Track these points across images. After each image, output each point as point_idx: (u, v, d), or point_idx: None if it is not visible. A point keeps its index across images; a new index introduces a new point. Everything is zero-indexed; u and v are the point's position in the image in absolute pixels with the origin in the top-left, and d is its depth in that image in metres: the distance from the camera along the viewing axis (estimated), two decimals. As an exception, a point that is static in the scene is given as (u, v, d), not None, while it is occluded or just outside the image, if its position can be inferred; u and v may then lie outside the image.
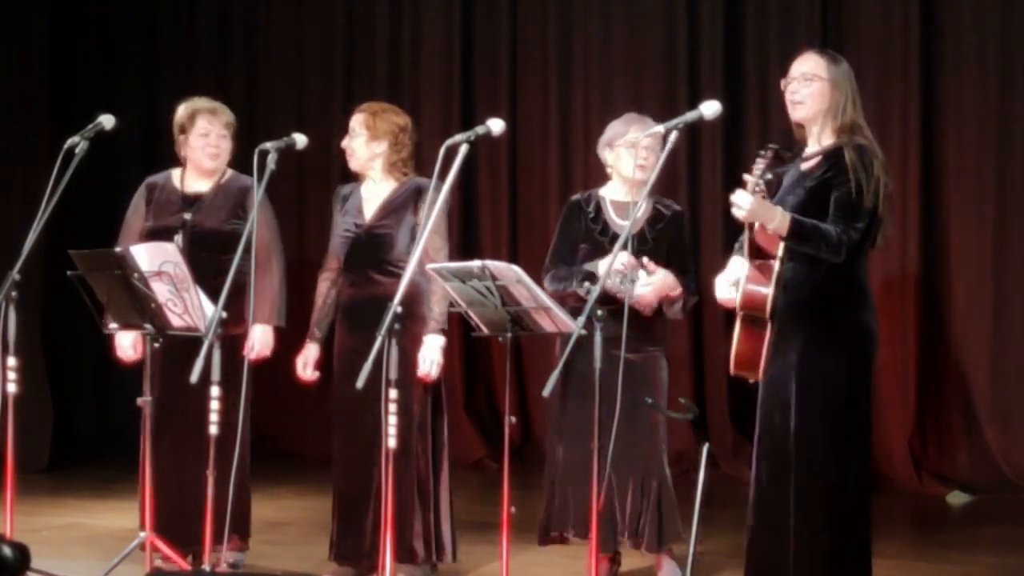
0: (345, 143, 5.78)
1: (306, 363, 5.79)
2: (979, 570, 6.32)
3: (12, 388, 5.55)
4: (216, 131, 5.90)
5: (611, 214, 5.72)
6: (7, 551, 5.21)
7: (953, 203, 8.29)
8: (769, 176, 4.54)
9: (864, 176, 4.59)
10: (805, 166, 4.75)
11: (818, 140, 4.75)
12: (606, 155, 5.77)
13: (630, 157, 5.61)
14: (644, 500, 5.62)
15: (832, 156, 4.66)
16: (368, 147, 5.73)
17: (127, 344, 5.90)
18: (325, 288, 5.84)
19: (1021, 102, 8.17)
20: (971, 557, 6.52)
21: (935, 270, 8.33)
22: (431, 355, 5.58)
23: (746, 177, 4.59)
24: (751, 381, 4.83)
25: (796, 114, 4.76)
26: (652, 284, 5.51)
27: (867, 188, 4.60)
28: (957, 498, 7.95)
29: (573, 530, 5.66)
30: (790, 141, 4.85)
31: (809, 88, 4.71)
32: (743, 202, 4.53)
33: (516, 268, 4.83)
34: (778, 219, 4.55)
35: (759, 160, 4.58)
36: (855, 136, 4.68)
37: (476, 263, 4.88)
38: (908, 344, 8.22)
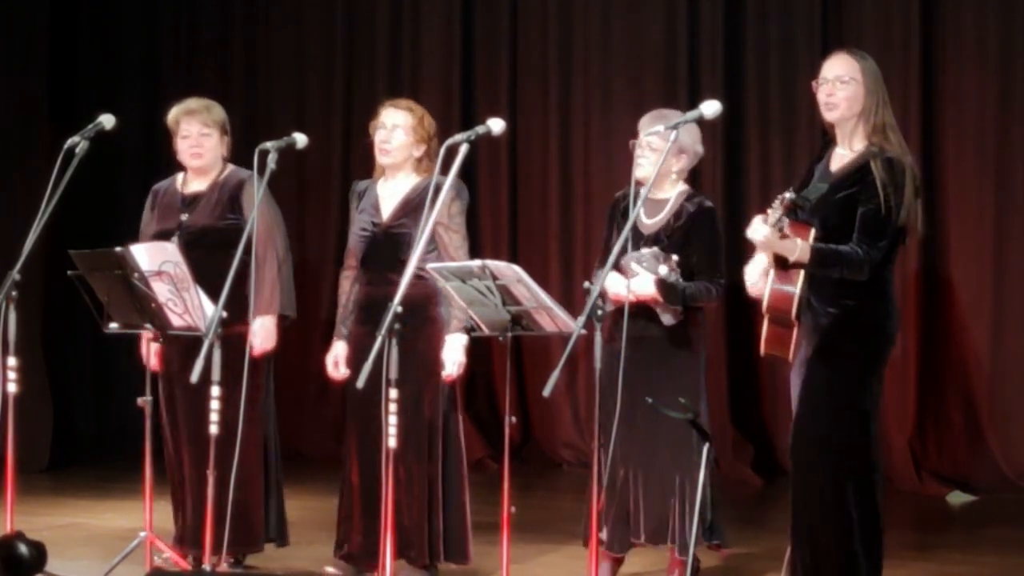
0: (381, 138, 5.69)
1: (336, 362, 5.76)
2: (980, 570, 6.32)
3: (12, 388, 5.55)
4: (196, 131, 5.86)
5: (640, 211, 5.64)
6: (24, 549, 5.23)
7: (953, 203, 8.28)
8: (786, 222, 4.52)
9: (892, 191, 4.60)
10: (835, 166, 4.74)
11: (848, 142, 4.74)
12: None
13: (635, 154, 5.59)
14: (670, 502, 5.55)
15: (860, 170, 4.65)
16: (409, 148, 5.69)
17: (155, 352, 5.76)
18: (348, 286, 5.79)
19: (1021, 103, 8.17)
20: (971, 557, 6.52)
21: (935, 270, 8.33)
22: (454, 355, 5.54)
23: (759, 217, 4.56)
24: (787, 359, 4.82)
25: (831, 115, 4.74)
26: (624, 283, 5.30)
27: (895, 203, 4.60)
28: (957, 498, 7.95)
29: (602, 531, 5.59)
30: (807, 197, 4.78)
31: (845, 91, 4.70)
32: (760, 230, 4.51)
33: (516, 267, 4.83)
34: (799, 251, 4.55)
35: (776, 205, 4.52)
36: (885, 143, 4.67)
37: (476, 262, 4.88)
38: (908, 344, 8.21)
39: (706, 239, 5.61)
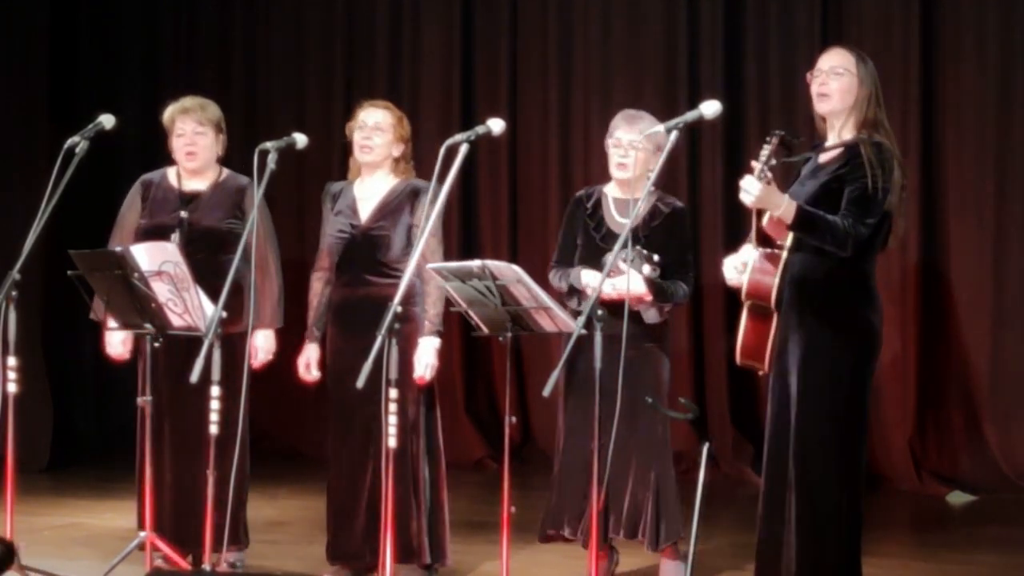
0: (362, 137, 5.70)
1: (308, 364, 5.77)
2: (979, 570, 6.32)
3: (12, 388, 5.55)
4: (191, 129, 5.87)
5: (611, 211, 5.70)
6: None
7: (953, 203, 8.29)
8: (774, 162, 4.51)
9: (881, 173, 4.59)
10: (823, 158, 4.75)
11: (839, 134, 4.75)
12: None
13: (614, 155, 5.64)
14: (643, 497, 5.59)
15: (849, 151, 4.65)
16: (389, 147, 5.70)
17: (116, 341, 5.89)
18: (320, 287, 5.81)
19: (1021, 104, 8.17)
20: (971, 557, 6.52)
21: (935, 270, 8.33)
22: (426, 358, 5.55)
23: (753, 163, 4.57)
24: (760, 373, 4.84)
25: (823, 107, 4.75)
26: (615, 285, 5.30)
27: (883, 185, 4.59)
28: (957, 498, 7.96)
29: (569, 528, 5.65)
30: (797, 131, 4.84)
31: (838, 82, 4.72)
32: (751, 188, 4.50)
33: (516, 267, 4.83)
34: (784, 206, 4.53)
35: (765, 146, 4.56)
36: (875, 132, 4.68)
37: (476, 262, 4.88)
38: (908, 344, 8.22)
39: (681, 239, 5.71)
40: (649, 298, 5.51)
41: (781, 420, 4.73)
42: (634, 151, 5.56)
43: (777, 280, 4.65)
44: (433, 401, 5.70)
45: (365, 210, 5.70)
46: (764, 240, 4.71)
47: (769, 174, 4.50)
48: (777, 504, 4.76)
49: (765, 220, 4.72)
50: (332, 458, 5.73)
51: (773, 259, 4.68)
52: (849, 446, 4.69)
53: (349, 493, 5.63)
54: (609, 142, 5.70)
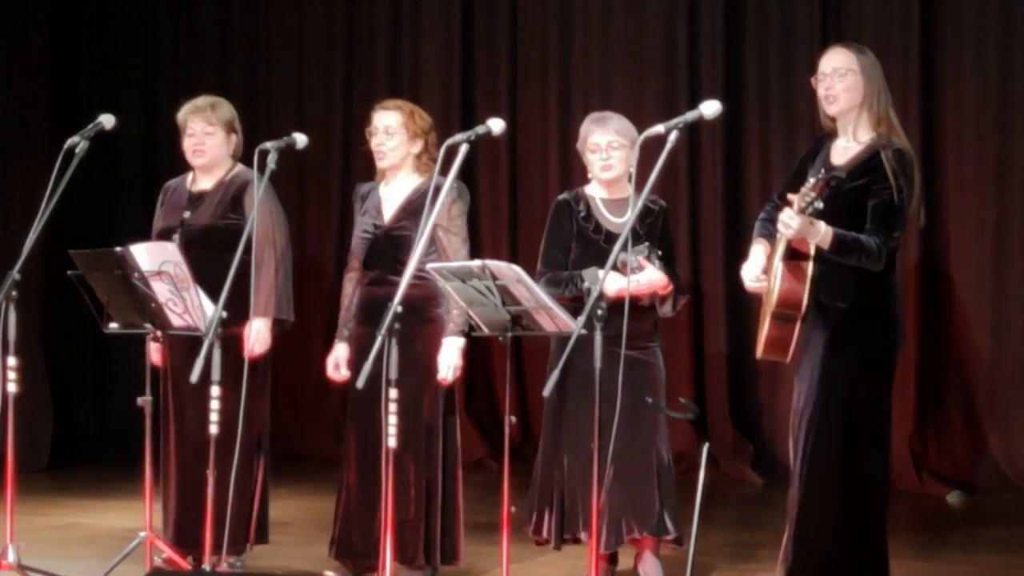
0: (376, 143, 5.69)
1: (337, 363, 5.75)
2: (980, 570, 6.32)
3: (12, 388, 5.54)
4: (200, 128, 5.86)
5: (603, 211, 5.70)
6: None
7: (953, 202, 8.29)
8: (821, 206, 4.52)
9: (905, 182, 4.62)
10: (840, 160, 4.75)
11: (853, 133, 4.76)
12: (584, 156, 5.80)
13: (594, 159, 5.65)
14: (648, 493, 5.58)
15: (870, 161, 4.66)
16: (404, 147, 5.68)
17: (155, 347, 5.79)
18: (351, 288, 5.79)
19: (1021, 103, 8.17)
20: (972, 557, 6.52)
21: (935, 269, 8.33)
22: (449, 359, 5.53)
23: (790, 196, 4.59)
24: (773, 359, 4.85)
25: (833, 109, 4.76)
26: (639, 281, 5.38)
27: (907, 194, 4.62)
28: (957, 498, 7.95)
29: (586, 531, 5.61)
30: (831, 168, 4.81)
31: (844, 82, 4.73)
32: (791, 222, 4.52)
33: (516, 267, 4.82)
34: (821, 235, 4.57)
35: (811, 179, 4.55)
36: (892, 136, 4.70)
37: (476, 262, 4.87)
38: (908, 344, 8.19)
39: (669, 236, 5.77)
40: (669, 290, 5.53)
41: (803, 416, 4.76)
42: (615, 151, 5.58)
43: (807, 289, 4.67)
44: (453, 405, 5.67)
45: (389, 210, 5.69)
46: (791, 252, 4.72)
47: (814, 211, 4.50)
48: (804, 497, 4.76)
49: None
50: (348, 456, 5.70)
51: (800, 268, 4.70)
52: (873, 439, 4.71)
53: (366, 492, 5.58)
54: (585, 148, 5.70)
